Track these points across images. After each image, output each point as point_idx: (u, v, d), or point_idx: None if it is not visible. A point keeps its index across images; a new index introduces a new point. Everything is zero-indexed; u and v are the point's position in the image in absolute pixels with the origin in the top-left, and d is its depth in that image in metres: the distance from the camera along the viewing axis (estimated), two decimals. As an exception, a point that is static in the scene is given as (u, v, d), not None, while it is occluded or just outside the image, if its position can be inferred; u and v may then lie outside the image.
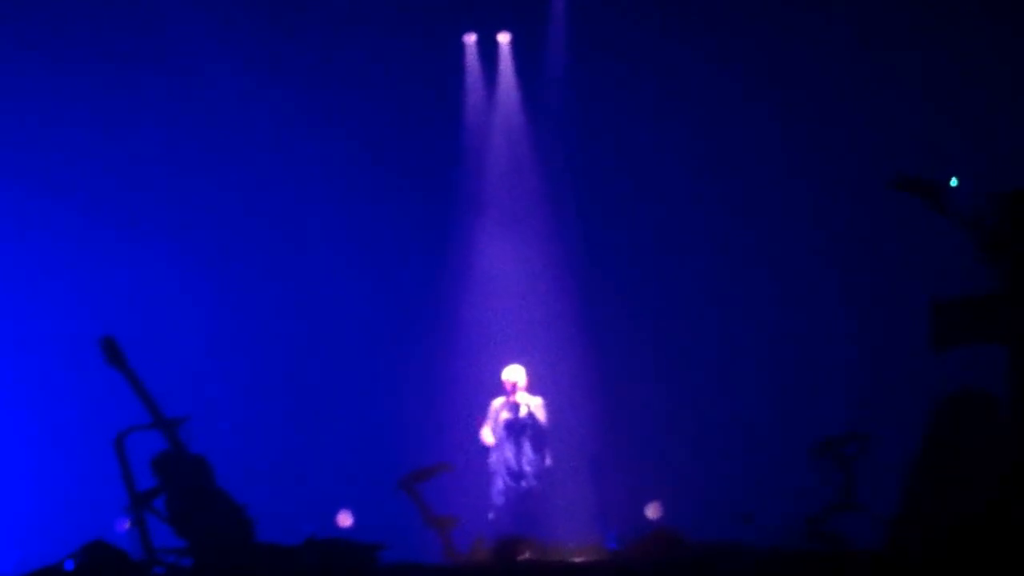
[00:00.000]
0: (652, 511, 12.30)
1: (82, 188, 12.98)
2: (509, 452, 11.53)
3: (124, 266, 12.98)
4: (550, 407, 11.69)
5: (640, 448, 12.83)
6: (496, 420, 11.60)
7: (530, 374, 11.68)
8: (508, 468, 11.53)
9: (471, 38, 13.79)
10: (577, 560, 9.68)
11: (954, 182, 7.17)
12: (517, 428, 11.55)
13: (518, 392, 11.56)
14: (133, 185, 13.03)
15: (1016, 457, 6.46)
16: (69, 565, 8.17)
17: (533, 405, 11.58)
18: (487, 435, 11.53)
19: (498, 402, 11.66)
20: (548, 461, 11.60)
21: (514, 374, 11.62)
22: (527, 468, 11.51)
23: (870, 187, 11.55)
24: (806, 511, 9.19)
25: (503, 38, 13.81)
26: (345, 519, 12.19)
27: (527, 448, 11.53)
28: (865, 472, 9.21)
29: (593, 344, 13.04)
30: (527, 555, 9.39)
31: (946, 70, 12.36)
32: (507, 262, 13.46)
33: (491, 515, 11.49)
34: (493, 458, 11.59)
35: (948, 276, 7.69)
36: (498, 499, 11.54)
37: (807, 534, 8.97)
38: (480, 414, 11.72)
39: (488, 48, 13.77)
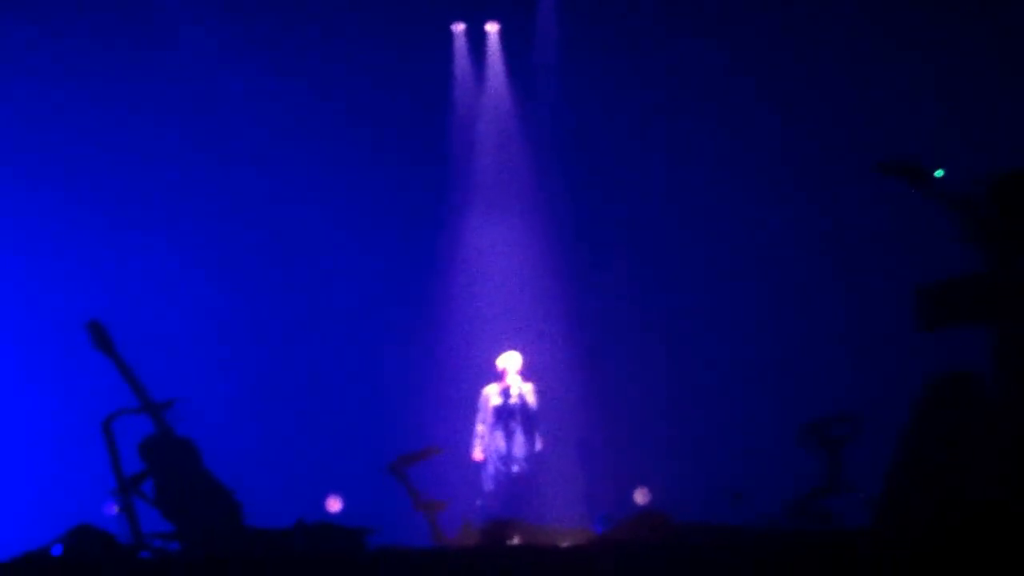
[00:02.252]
0: (640, 496, 12.31)
1: (71, 173, 12.93)
2: (500, 437, 11.54)
3: (111, 249, 12.95)
4: (541, 392, 11.69)
5: (629, 432, 12.85)
6: (487, 406, 11.61)
7: (523, 358, 11.68)
8: (499, 453, 11.54)
9: (459, 27, 13.76)
10: (565, 543, 9.67)
11: (939, 173, 7.18)
12: (507, 413, 11.55)
13: (510, 376, 11.56)
14: (119, 168, 12.99)
15: (1002, 438, 6.47)
16: (56, 549, 8.15)
17: (524, 390, 11.58)
18: (478, 452, 11.55)
19: (490, 388, 11.66)
20: (539, 446, 11.60)
21: (507, 359, 11.63)
22: (517, 453, 11.51)
23: (858, 170, 11.56)
24: (795, 492, 9.21)
25: (491, 27, 13.78)
26: (334, 503, 12.17)
27: (517, 433, 11.54)
28: (853, 453, 9.23)
29: (582, 328, 13.05)
30: (516, 539, 9.39)
31: (937, 54, 12.37)
32: (496, 250, 13.46)
33: (479, 501, 11.49)
34: (483, 444, 11.59)
35: (936, 258, 7.70)
36: (488, 484, 11.54)
37: (795, 514, 8.99)
38: (473, 404, 11.72)
39: (476, 37, 13.75)
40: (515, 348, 11.82)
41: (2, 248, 12.89)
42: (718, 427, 12.73)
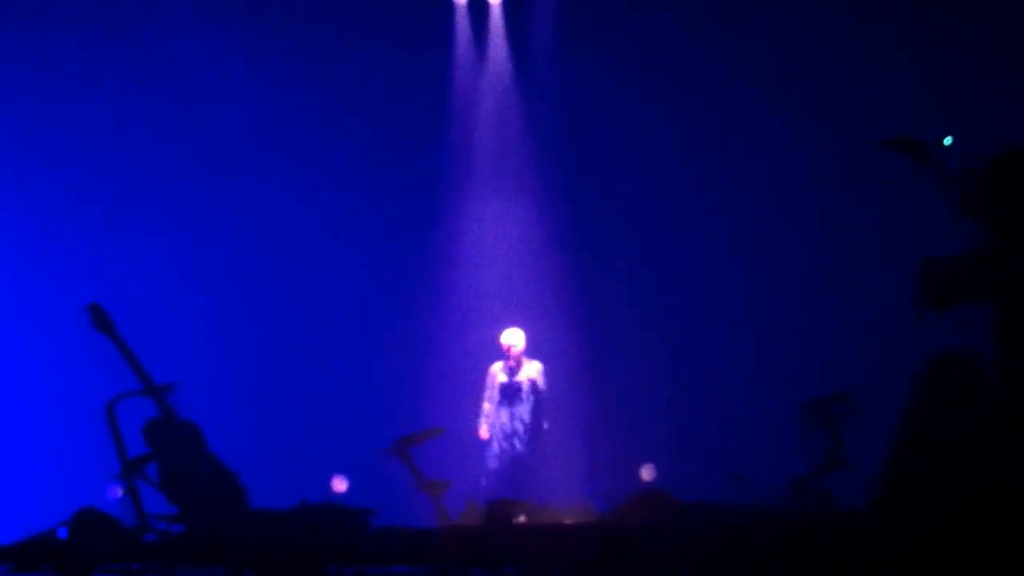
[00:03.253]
0: (646, 473, 12.30)
1: (76, 165, 12.92)
2: (505, 416, 11.53)
3: (115, 234, 12.93)
4: (546, 371, 11.68)
5: (632, 411, 12.84)
6: (494, 383, 11.60)
7: (527, 336, 11.67)
8: (503, 431, 11.53)
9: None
10: (569, 522, 9.69)
11: (947, 141, 7.15)
12: (513, 391, 11.54)
13: (516, 355, 11.55)
14: (121, 156, 12.97)
15: (1001, 416, 6.47)
16: (61, 532, 8.19)
17: (531, 369, 11.57)
18: (484, 431, 11.55)
19: (497, 366, 11.65)
20: (545, 425, 11.59)
21: (512, 337, 11.61)
22: (522, 432, 11.50)
23: (858, 146, 11.54)
24: (795, 471, 9.20)
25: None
26: (339, 484, 12.18)
27: (523, 412, 11.52)
28: (853, 432, 9.21)
29: (583, 308, 13.02)
30: (520, 518, 9.41)
31: (935, 30, 12.32)
32: (498, 228, 13.43)
33: (484, 480, 11.50)
34: (488, 423, 11.59)
35: (936, 235, 7.68)
36: (493, 462, 11.54)
37: (795, 494, 8.98)
38: (475, 385, 11.70)
39: (478, 10, 13.68)
40: (518, 326, 11.79)
41: (6, 236, 12.88)
42: (720, 406, 12.70)
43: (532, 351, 11.81)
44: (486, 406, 11.62)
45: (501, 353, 11.66)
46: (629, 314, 13.05)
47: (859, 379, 10.07)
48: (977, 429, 6.43)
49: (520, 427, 11.51)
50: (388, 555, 7.82)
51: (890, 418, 6.98)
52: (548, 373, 11.69)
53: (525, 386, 11.53)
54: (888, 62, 12.48)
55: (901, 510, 6.31)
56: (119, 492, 9.17)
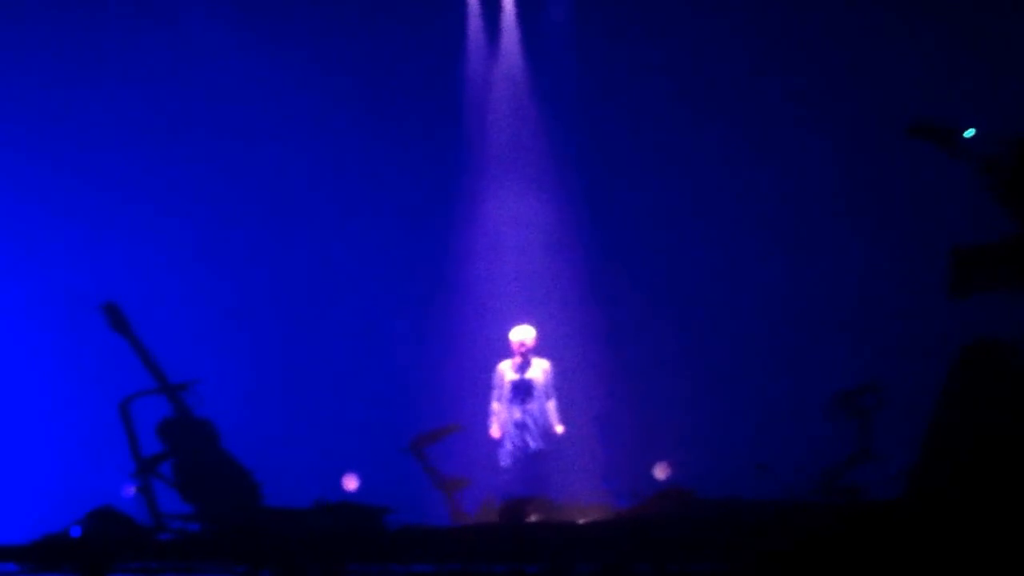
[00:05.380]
0: (660, 471, 12.25)
1: (92, 157, 12.87)
2: (516, 413, 11.48)
3: (130, 232, 12.89)
4: (558, 367, 11.63)
5: (648, 405, 12.77)
6: (503, 382, 11.55)
7: (537, 333, 11.62)
8: (516, 430, 11.47)
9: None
10: (585, 520, 9.64)
11: (969, 133, 7.11)
12: (523, 389, 11.49)
13: (526, 352, 11.50)
14: (138, 152, 12.93)
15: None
16: (75, 531, 8.15)
17: (540, 365, 11.52)
18: (495, 430, 11.49)
19: (505, 364, 11.59)
20: (556, 421, 11.54)
21: (522, 334, 11.55)
22: (534, 429, 11.45)
23: (885, 133, 11.46)
24: (823, 464, 9.14)
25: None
26: (350, 482, 12.12)
27: (534, 409, 11.47)
28: (882, 423, 9.15)
29: (599, 300, 12.96)
30: (535, 516, 9.36)
31: (961, 13, 12.27)
32: (511, 224, 13.37)
33: (499, 478, 11.44)
34: (499, 421, 11.54)
35: (966, 222, 7.63)
36: (506, 460, 11.49)
37: (824, 487, 8.93)
38: (488, 382, 11.64)
39: (492, 2, 13.65)
40: (532, 323, 11.73)
41: (24, 234, 12.82)
42: (740, 399, 12.60)
43: (547, 347, 11.74)
44: (495, 405, 11.57)
45: (511, 350, 11.59)
46: (646, 308, 12.97)
47: (886, 369, 9.99)
48: (1011, 416, 6.37)
49: (532, 424, 11.45)
50: (409, 553, 7.76)
51: (919, 408, 6.92)
52: (556, 372, 11.62)
53: (536, 383, 11.48)
54: (911, 51, 12.41)
55: (939, 503, 6.24)
56: (134, 491, 9.14)
